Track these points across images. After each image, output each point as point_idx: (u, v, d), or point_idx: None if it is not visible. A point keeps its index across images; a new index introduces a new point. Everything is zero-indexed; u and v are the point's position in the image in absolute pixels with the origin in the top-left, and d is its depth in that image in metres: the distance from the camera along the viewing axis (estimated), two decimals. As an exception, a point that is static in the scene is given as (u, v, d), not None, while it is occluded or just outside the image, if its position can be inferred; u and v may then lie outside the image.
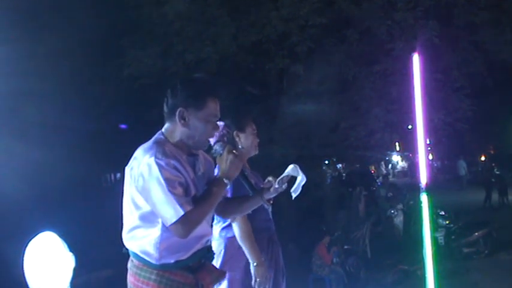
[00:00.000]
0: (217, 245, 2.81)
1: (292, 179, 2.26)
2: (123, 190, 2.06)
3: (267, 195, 2.24)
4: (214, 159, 2.32)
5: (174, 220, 1.88)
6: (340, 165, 25.23)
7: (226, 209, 2.30)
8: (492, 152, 29.30)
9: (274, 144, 9.00)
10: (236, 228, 2.76)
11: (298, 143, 9.14)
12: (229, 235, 2.81)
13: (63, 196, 9.25)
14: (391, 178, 26.53)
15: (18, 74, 6.83)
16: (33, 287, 3.23)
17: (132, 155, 2.02)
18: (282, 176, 2.22)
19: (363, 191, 11.04)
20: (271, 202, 2.31)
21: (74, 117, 8.38)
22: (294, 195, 2.27)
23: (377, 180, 18.62)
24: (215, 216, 2.73)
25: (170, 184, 1.88)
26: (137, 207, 1.98)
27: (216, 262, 2.66)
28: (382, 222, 10.76)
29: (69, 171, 8.50)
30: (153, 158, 1.90)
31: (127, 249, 2.09)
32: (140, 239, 2.00)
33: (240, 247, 2.76)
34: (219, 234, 2.84)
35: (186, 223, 1.89)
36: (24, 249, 3.25)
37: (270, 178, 2.24)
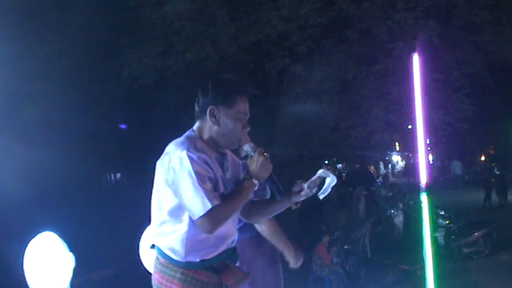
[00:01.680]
0: None
1: (320, 183, 2.25)
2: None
3: (295, 199, 2.21)
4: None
5: (201, 214, 1.88)
6: (340, 165, 25.23)
7: (251, 212, 2.29)
8: (492, 152, 29.28)
9: (274, 144, 9.01)
10: (264, 227, 2.78)
11: (298, 143, 9.14)
12: (245, 237, 2.78)
13: (63, 196, 9.24)
14: (391, 178, 26.52)
15: (18, 74, 6.83)
16: (33, 287, 3.23)
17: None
18: (313, 178, 2.20)
19: (363, 191, 11.01)
20: (299, 205, 2.27)
21: (74, 117, 8.37)
22: (322, 196, 2.25)
23: (377, 180, 18.60)
24: None
25: (200, 178, 1.90)
26: (166, 201, 2.00)
27: None
28: (382, 222, 10.74)
29: (69, 171, 8.49)
30: (185, 152, 1.93)
31: (153, 246, 2.10)
32: (168, 235, 2.01)
33: (257, 248, 2.78)
34: None
35: (213, 218, 1.90)
36: (24, 249, 3.25)
37: (300, 181, 2.22)
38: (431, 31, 7.76)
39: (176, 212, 1.99)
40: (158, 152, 2.06)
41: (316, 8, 7.68)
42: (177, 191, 1.94)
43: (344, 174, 19.42)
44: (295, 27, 7.87)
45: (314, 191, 2.21)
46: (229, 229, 2.10)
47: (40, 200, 8.13)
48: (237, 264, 2.25)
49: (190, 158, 1.91)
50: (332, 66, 8.56)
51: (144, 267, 3.51)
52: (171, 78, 8.36)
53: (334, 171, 21.45)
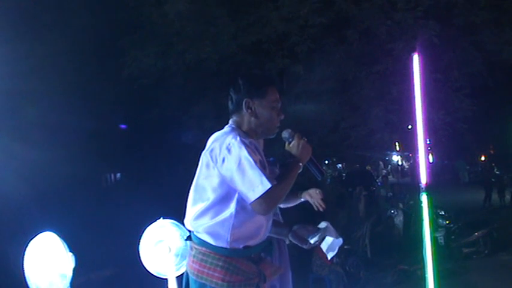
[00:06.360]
0: None
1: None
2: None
3: (292, 239, 2.44)
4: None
5: (261, 193, 1.92)
6: (340, 165, 25.22)
7: None
8: (492, 152, 29.25)
9: (274, 144, 9.00)
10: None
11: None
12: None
13: (63, 196, 9.23)
14: (391, 178, 26.52)
15: (18, 74, 6.82)
16: (33, 287, 3.23)
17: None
18: (317, 235, 2.40)
19: (363, 191, 11.01)
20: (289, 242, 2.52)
21: (74, 117, 8.36)
22: (329, 256, 2.53)
23: (377, 180, 18.60)
24: None
25: (255, 160, 1.96)
26: (213, 189, 2.03)
27: None
28: (382, 222, 10.74)
29: (69, 172, 8.48)
30: (238, 138, 2.00)
31: (189, 237, 2.14)
32: (212, 222, 2.03)
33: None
34: None
35: (270, 198, 1.94)
36: (25, 249, 3.25)
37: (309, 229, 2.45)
38: (431, 31, 7.75)
39: (223, 199, 2.02)
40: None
41: (316, 8, 7.68)
42: (232, 176, 1.96)
43: (344, 174, 19.41)
44: (295, 27, 7.87)
45: (314, 243, 2.41)
46: (268, 219, 2.15)
47: (40, 200, 8.13)
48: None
49: (243, 143, 1.97)
50: (332, 66, 8.55)
51: (144, 267, 3.51)
52: (171, 78, 8.36)
53: (334, 171, 21.44)
